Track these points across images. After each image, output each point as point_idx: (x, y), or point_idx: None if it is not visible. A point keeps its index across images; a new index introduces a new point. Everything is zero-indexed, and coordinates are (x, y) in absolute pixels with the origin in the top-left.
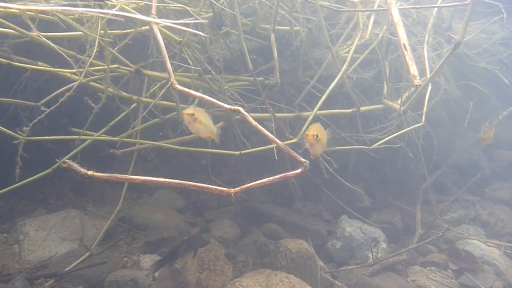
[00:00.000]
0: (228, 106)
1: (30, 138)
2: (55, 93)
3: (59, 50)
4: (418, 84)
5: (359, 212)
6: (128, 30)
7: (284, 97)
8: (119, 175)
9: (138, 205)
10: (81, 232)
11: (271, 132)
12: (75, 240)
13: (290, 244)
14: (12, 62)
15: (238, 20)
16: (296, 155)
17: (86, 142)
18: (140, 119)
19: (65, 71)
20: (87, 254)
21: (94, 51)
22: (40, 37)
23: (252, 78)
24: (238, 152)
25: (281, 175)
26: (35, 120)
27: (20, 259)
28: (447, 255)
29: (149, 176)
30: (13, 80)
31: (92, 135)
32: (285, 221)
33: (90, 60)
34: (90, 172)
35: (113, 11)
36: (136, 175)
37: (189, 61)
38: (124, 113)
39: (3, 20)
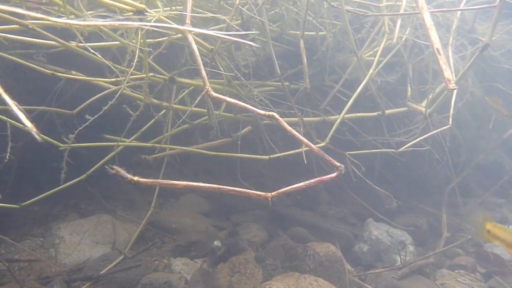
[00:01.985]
0: (262, 112)
1: (73, 145)
2: (89, 100)
3: (103, 60)
4: (453, 88)
5: (384, 215)
6: (161, 39)
7: (309, 102)
8: (162, 181)
9: (165, 209)
10: (113, 236)
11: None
12: (107, 244)
13: (318, 248)
14: (55, 73)
15: (266, 26)
16: (331, 159)
17: (119, 148)
18: (170, 125)
19: (104, 80)
20: (121, 257)
21: (135, 61)
22: (78, 48)
23: (278, 83)
24: (267, 157)
25: (317, 179)
26: (80, 128)
27: (57, 263)
28: (474, 258)
29: (174, 180)
30: (48, 88)
31: (124, 141)
32: (312, 225)
33: (131, 70)
34: (136, 178)
35: (151, 23)
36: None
37: (220, 68)
38: (153, 120)
39: (44, 32)
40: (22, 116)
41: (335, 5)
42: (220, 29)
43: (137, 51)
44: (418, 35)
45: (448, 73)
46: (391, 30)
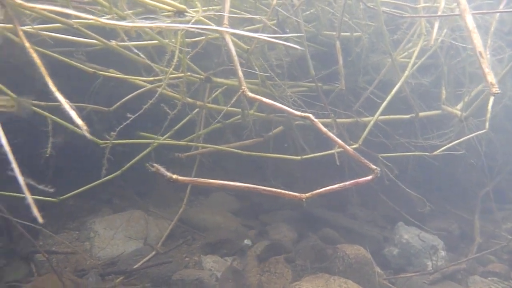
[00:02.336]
0: (298, 113)
1: (112, 142)
2: (126, 98)
3: (141, 59)
4: (496, 92)
5: (415, 218)
6: (197, 39)
7: (341, 102)
8: (199, 179)
9: (195, 206)
10: (145, 232)
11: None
12: (140, 239)
13: (347, 250)
14: (97, 72)
15: (301, 27)
16: (366, 161)
17: (153, 146)
18: (202, 124)
19: (144, 79)
20: (153, 253)
21: (175, 60)
22: (118, 47)
23: (311, 84)
24: (299, 157)
25: (353, 181)
26: (121, 126)
27: (92, 256)
28: (508, 266)
29: (205, 178)
30: (86, 86)
31: (159, 139)
32: (341, 226)
33: (170, 69)
34: (174, 176)
35: (196, 26)
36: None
37: (255, 68)
38: (187, 118)
39: (87, 31)
40: (73, 114)
41: (371, 6)
42: (255, 29)
43: (177, 51)
44: (455, 37)
45: (491, 77)
46: (427, 31)
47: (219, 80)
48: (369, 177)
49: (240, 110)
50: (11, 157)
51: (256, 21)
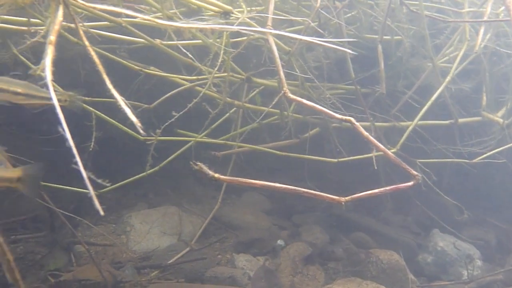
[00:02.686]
0: (339, 116)
1: (150, 138)
2: (166, 95)
3: (182, 58)
4: None
5: (451, 226)
6: (238, 39)
7: (378, 106)
8: (241, 179)
9: (227, 205)
10: (179, 228)
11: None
12: (174, 235)
13: (381, 255)
14: (143, 69)
15: (343, 29)
16: (408, 167)
17: (190, 143)
18: (239, 123)
19: (189, 78)
20: (187, 249)
21: (219, 61)
22: (162, 45)
23: (349, 87)
24: (335, 160)
25: (393, 186)
26: (166, 124)
27: (127, 249)
28: None
29: (237, 177)
30: (128, 82)
31: (195, 137)
32: (373, 231)
33: (216, 69)
34: (216, 175)
35: (238, 27)
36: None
37: (296, 70)
38: (224, 117)
39: (133, 29)
40: (128, 111)
41: (414, 10)
42: (296, 31)
43: (222, 51)
44: (499, 43)
45: None
46: (470, 36)
47: (259, 80)
48: (410, 183)
49: (277, 110)
50: (75, 152)
51: (295, 23)
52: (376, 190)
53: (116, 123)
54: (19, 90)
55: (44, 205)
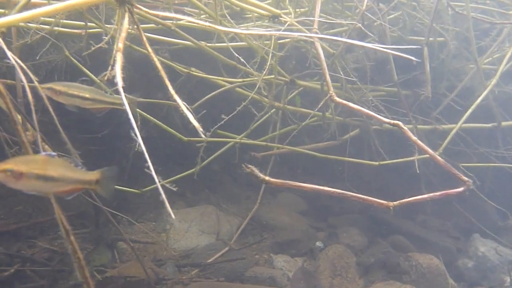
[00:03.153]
0: (387, 120)
1: (196, 139)
2: (207, 97)
3: (227, 60)
4: None
5: (491, 231)
6: (282, 41)
7: (418, 109)
8: (290, 182)
9: (263, 205)
10: (217, 227)
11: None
12: (212, 234)
13: (420, 259)
14: (191, 71)
15: (386, 31)
16: (458, 173)
17: (229, 145)
18: (279, 124)
19: (223, 79)
20: (226, 248)
21: (268, 64)
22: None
23: (389, 89)
24: (376, 163)
25: (443, 192)
26: (216, 127)
27: (167, 247)
28: None
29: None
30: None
31: (234, 138)
32: (411, 234)
33: (264, 72)
34: (267, 178)
35: (287, 33)
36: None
37: (340, 72)
38: (263, 118)
39: (180, 31)
40: (190, 116)
41: (460, 12)
42: (338, 33)
43: (270, 54)
44: None
45: None
46: None
47: (302, 83)
48: (460, 189)
49: (316, 112)
50: (146, 155)
51: (336, 24)
52: (425, 196)
53: (162, 124)
54: (87, 95)
55: (90, 203)
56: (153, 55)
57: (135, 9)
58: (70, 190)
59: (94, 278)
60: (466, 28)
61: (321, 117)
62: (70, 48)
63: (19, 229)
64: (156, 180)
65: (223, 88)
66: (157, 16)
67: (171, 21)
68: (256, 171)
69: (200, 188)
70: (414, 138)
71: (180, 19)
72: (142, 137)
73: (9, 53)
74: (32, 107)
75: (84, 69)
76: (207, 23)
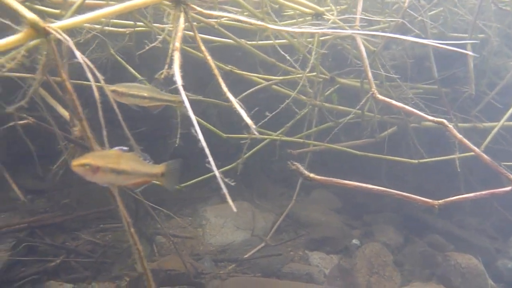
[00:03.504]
0: (431, 118)
1: (232, 136)
2: (243, 94)
3: (267, 58)
4: None
5: None
6: (322, 38)
7: (457, 106)
8: (333, 179)
9: (296, 202)
10: (253, 223)
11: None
12: (247, 230)
13: (459, 258)
14: (233, 70)
15: (427, 28)
16: (505, 172)
17: (266, 141)
18: (314, 122)
19: (260, 76)
20: (262, 244)
21: (311, 61)
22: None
23: (427, 86)
24: (416, 161)
25: (489, 191)
26: (260, 123)
27: (204, 242)
28: None
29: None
30: (206, 81)
31: (270, 135)
32: (448, 233)
33: (308, 69)
34: (311, 175)
35: (331, 30)
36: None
37: (380, 69)
38: (299, 116)
39: (223, 30)
40: (244, 113)
41: (503, 8)
42: (377, 30)
43: (313, 52)
44: None
45: None
46: None
47: (342, 80)
48: (508, 188)
49: (354, 110)
50: (207, 151)
51: (374, 21)
52: (471, 195)
53: (202, 121)
54: (145, 94)
55: (131, 196)
56: (206, 54)
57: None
58: (139, 182)
59: (135, 271)
60: (507, 24)
61: (358, 115)
62: (114, 46)
63: (64, 221)
64: (218, 175)
65: (260, 86)
66: (210, 15)
67: (215, 20)
68: (301, 168)
69: (235, 184)
70: (460, 136)
71: (229, 18)
72: (181, 133)
73: (78, 53)
74: (99, 106)
75: (128, 67)
76: (259, 22)
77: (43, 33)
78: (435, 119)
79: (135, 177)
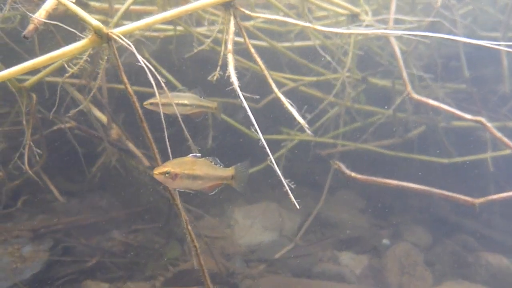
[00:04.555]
0: (469, 117)
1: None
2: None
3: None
4: None
5: None
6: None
7: (485, 105)
8: (375, 178)
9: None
10: (280, 223)
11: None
12: (275, 230)
13: (490, 258)
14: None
15: (458, 26)
16: None
17: (294, 142)
18: (342, 122)
19: (287, 76)
20: (292, 245)
21: (348, 62)
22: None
23: (455, 85)
24: (446, 160)
25: None
26: (298, 127)
27: (233, 242)
28: None
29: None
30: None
31: (298, 135)
32: (478, 233)
33: (345, 71)
34: (353, 174)
35: (371, 31)
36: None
37: (413, 69)
38: (327, 116)
39: (257, 32)
40: (296, 113)
41: None
42: (408, 29)
43: (350, 53)
44: None
45: None
46: None
47: (374, 80)
48: None
49: (383, 110)
50: (268, 151)
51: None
52: None
53: (234, 122)
54: (186, 102)
55: (162, 198)
56: (255, 55)
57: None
58: (212, 186)
59: (167, 270)
60: None
61: (386, 115)
62: (148, 50)
63: (97, 222)
64: (282, 179)
65: (288, 87)
66: (256, 17)
67: (250, 22)
68: (343, 167)
69: (261, 186)
70: (499, 134)
71: (272, 19)
72: (212, 136)
73: (140, 58)
74: (161, 110)
75: (163, 70)
76: (307, 24)
77: (105, 39)
78: (474, 117)
79: (209, 181)
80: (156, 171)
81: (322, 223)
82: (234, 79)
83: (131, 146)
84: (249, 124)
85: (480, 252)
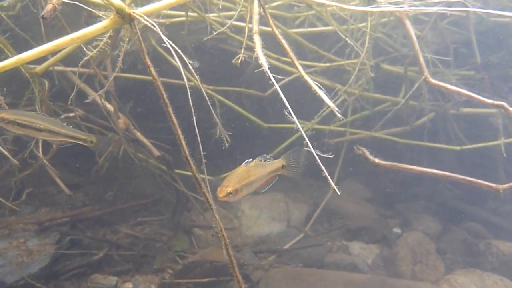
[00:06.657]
0: (490, 101)
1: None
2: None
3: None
4: None
5: None
6: (363, 24)
7: (495, 92)
8: (399, 164)
9: (327, 193)
10: (288, 214)
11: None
12: (282, 221)
13: (501, 246)
14: (280, 58)
15: (469, 15)
16: None
17: (305, 130)
18: (350, 110)
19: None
20: (301, 235)
21: (366, 46)
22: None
23: (464, 72)
24: (458, 148)
25: None
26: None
27: (241, 234)
28: None
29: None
30: (237, 72)
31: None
32: (486, 221)
33: (361, 58)
34: (377, 160)
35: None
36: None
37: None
38: (336, 103)
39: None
40: (325, 96)
41: None
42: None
43: (367, 36)
44: None
45: None
46: None
47: (386, 66)
48: None
49: (388, 97)
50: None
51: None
52: None
53: (242, 111)
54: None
55: (169, 189)
56: (281, 38)
57: None
58: (266, 182)
59: (176, 262)
60: None
61: (394, 103)
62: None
63: (102, 215)
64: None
65: (294, 75)
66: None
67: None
68: (367, 153)
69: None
70: None
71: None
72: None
73: (165, 39)
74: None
75: (170, 58)
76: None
77: (127, 19)
78: (495, 102)
79: (263, 180)
80: (220, 195)
81: (329, 213)
82: (262, 60)
83: (139, 135)
84: (255, 114)
85: (490, 240)
